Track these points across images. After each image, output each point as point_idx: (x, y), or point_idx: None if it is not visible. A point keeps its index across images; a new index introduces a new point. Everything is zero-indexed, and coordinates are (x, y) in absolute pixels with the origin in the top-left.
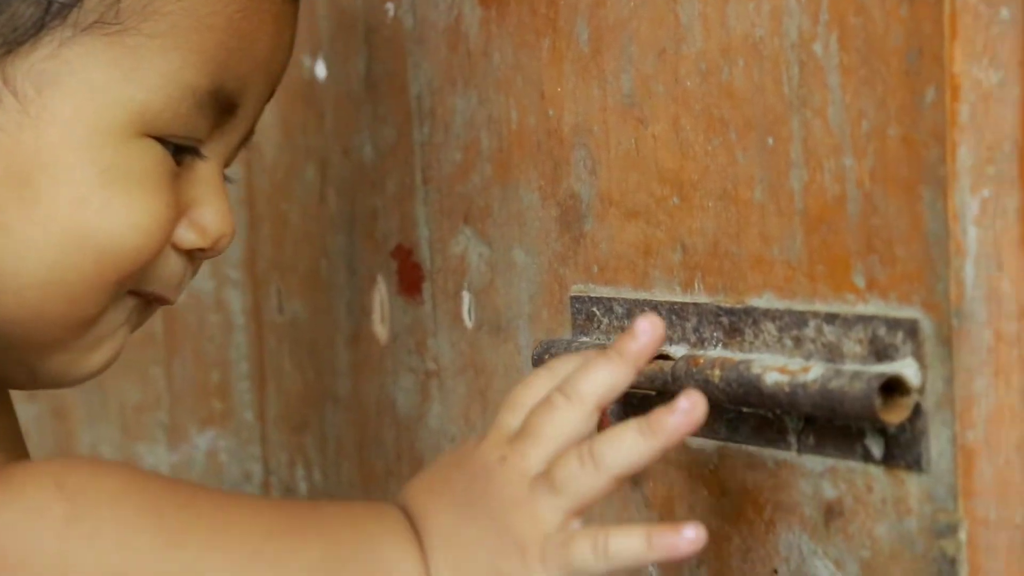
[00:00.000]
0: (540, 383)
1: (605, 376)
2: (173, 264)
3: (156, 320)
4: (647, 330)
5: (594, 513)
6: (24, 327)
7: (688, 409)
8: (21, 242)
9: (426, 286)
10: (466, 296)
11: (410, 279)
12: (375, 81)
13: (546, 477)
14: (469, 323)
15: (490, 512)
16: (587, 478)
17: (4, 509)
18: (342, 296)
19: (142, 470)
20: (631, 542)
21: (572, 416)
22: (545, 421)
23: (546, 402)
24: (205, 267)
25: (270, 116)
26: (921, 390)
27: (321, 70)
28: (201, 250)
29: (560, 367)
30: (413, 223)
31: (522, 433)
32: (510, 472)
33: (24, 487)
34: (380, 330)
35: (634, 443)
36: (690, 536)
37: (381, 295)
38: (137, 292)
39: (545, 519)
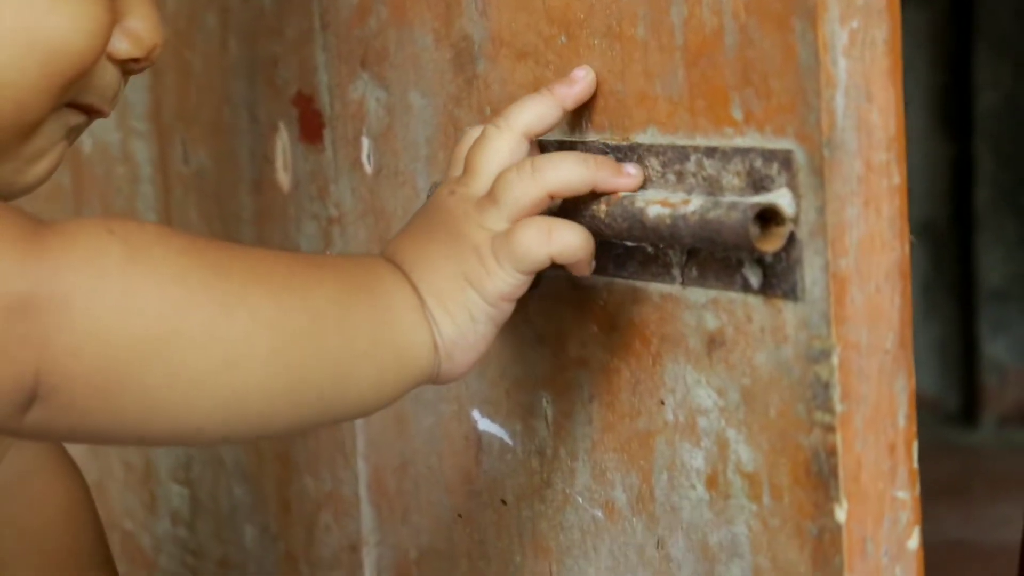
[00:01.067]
0: (476, 131)
1: (534, 107)
2: (109, 75)
3: (64, 172)
4: (581, 76)
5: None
6: None
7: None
8: None
9: (327, 132)
10: (365, 141)
11: (311, 126)
12: None
13: (489, 194)
14: (369, 168)
15: (448, 232)
16: (523, 186)
17: (65, 253)
18: (245, 144)
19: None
20: (572, 232)
21: (503, 144)
22: (480, 152)
23: (480, 136)
24: (112, 118)
25: None
26: (796, 220)
27: None
28: (135, 60)
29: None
30: (313, 69)
31: (465, 169)
32: (459, 199)
33: (78, 235)
34: (283, 178)
35: (573, 166)
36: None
37: (283, 142)
38: (75, 104)
39: (490, 224)
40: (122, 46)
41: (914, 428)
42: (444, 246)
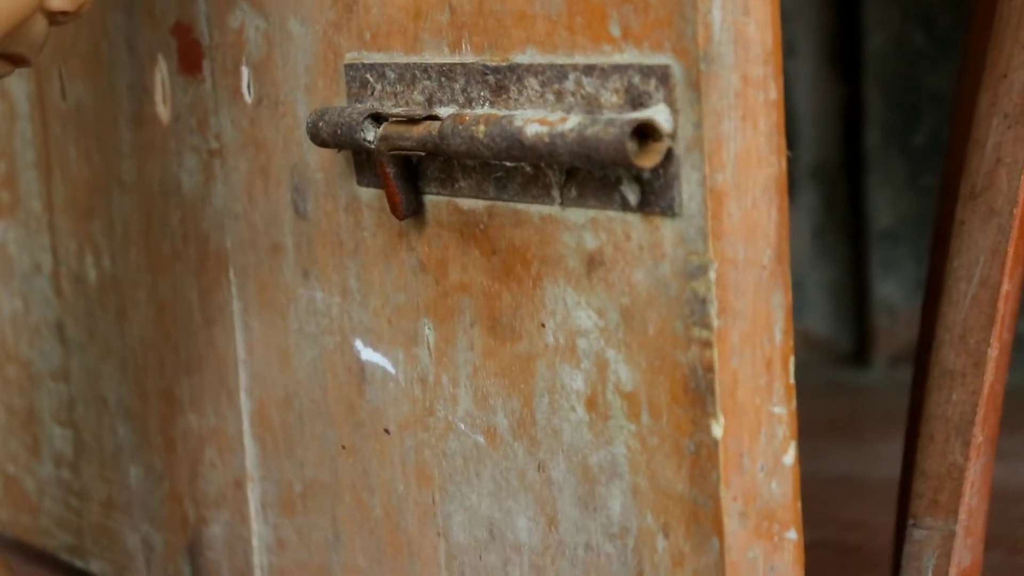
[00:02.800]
0: None
1: None
2: (40, 26)
3: None
4: None
5: None
6: None
7: None
8: None
9: (206, 63)
10: (245, 71)
11: (190, 56)
12: None
13: None
14: (249, 99)
15: None
16: None
17: None
18: (123, 77)
19: None
20: None
21: None
22: None
23: None
24: None
25: None
26: (673, 135)
27: None
28: (64, 13)
29: None
30: None
31: None
32: None
33: None
34: (162, 111)
35: None
36: None
37: (162, 74)
38: (4, 55)
39: None
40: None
41: (791, 343)
42: None
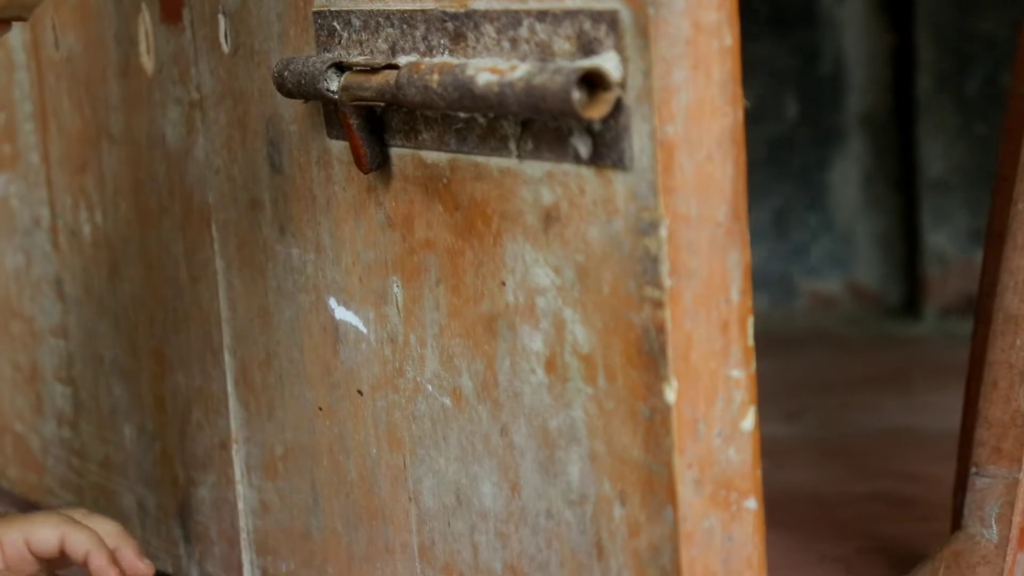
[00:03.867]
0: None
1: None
2: None
3: None
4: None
5: None
6: None
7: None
8: None
9: (185, 12)
10: (222, 20)
11: (171, 5)
12: None
13: None
14: (226, 48)
15: None
16: None
17: None
18: (110, 27)
19: None
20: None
21: None
22: None
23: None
24: None
25: None
26: (623, 84)
27: None
28: None
29: None
30: None
31: None
32: None
33: None
34: (147, 61)
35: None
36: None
37: (145, 24)
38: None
39: None
40: None
41: (749, 303)
42: None
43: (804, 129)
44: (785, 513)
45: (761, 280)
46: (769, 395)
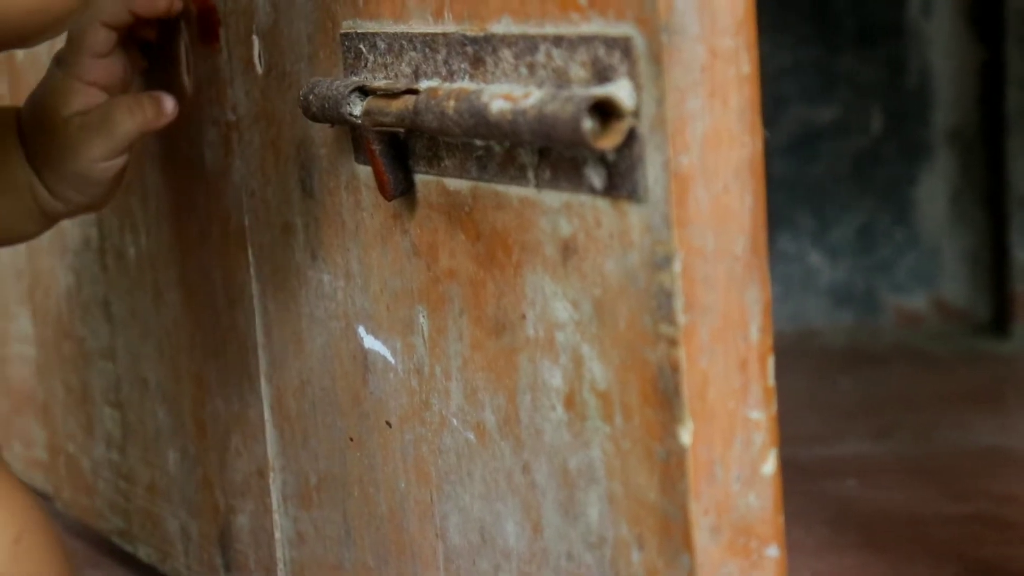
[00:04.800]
0: None
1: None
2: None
3: (1, 79)
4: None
5: None
6: None
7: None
8: None
9: (222, 31)
10: (255, 40)
11: (207, 23)
12: None
13: None
14: (260, 69)
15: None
16: None
17: None
18: (154, 47)
19: None
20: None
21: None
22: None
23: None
24: None
25: None
26: (636, 113)
27: None
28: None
29: None
30: None
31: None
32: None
33: None
34: (186, 80)
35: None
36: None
37: (184, 42)
38: None
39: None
40: None
41: (769, 342)
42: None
43: (890, 144)
44: (881, 536)
45: (845, 296)
46: (856, 412)
